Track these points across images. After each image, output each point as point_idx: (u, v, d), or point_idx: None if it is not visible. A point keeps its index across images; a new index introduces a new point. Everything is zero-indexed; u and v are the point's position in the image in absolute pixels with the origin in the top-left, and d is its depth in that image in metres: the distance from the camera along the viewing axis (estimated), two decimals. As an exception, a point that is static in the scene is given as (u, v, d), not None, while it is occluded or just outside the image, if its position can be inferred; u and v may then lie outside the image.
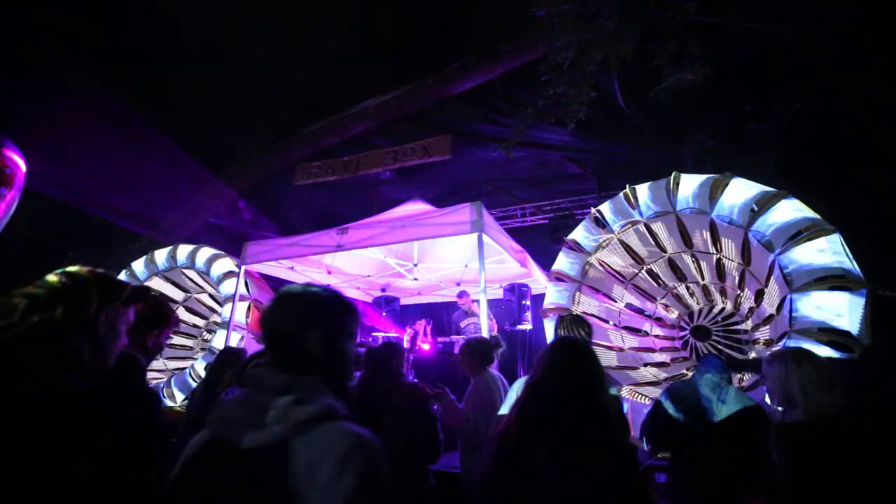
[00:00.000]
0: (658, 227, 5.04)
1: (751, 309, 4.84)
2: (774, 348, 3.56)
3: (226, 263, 6.62)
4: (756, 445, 2.14)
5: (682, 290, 5.59)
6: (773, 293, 4.07)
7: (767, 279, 4.03)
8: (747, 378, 4.42)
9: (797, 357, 1.90)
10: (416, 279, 7.54)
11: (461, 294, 6.74)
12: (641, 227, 5.07)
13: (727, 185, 4.17)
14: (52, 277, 1.11)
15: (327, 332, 1.05)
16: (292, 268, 6.45)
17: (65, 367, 1.02)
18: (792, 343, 3.25)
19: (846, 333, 3.19)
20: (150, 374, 7.01)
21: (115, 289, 1.19)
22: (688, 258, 5.24)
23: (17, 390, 0.93)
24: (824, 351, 3.16)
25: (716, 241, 4.73)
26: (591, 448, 1.47)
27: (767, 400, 2.17)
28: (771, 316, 4.14)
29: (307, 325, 1.04)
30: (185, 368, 6.79)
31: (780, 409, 1.98)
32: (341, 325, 1.09)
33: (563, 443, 1.47)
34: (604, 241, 5.25)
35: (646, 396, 4.46)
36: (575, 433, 1.49)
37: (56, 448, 0.89)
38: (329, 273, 7.02)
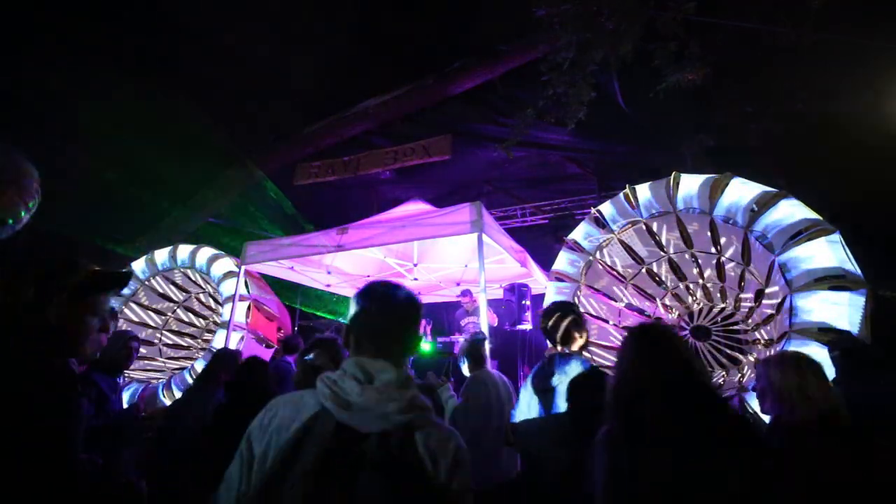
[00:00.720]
0: (658, 227, 5.05)
1: (751, 309, 4.84)
2: (774, 349, 3.56)
3: (226, 263, 6.62)
4: None
5: (682, 290, 5.59)
6: (772, 293, 4.08)
7: (767, 279, 4.03)
8: (746, 378, 4.42)
9: (797, 361, 1.89)
10: (416, 279, 7.54)
11: (465, 293, 6.75)
12: (641, 227, 5.07)
13: (727, 185, 4.16)
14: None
15: (417, 330, 1.19)
16: (292, 268, 6.45)
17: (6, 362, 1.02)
18: (792, 343, 3.25)
19: (846, 333, 3.19)
20: (150, 374, 7.02)
21: (61, 276, 1.16)
22: (688, 258, 5.24)
23: None
24: (824, 351, 3.16)
25: (716, 241, 4.73)
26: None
27: (755, 403, 2.17)
28: (771, 316, 4.14)
29: (409, 323, 1.17)
30: (185, 368, 6.79)
31: (766, 412, 1.95)
32: (420, 324, 1.23)
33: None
34: (604, 241, 5.25)
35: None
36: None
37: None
38: (329, 273, 7.03)
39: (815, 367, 1.86)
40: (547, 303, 5.39)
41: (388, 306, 1.17)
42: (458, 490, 1.01)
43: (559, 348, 2.46)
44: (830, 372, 2.08)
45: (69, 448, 1.10)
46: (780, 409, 1.83)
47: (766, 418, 1.99)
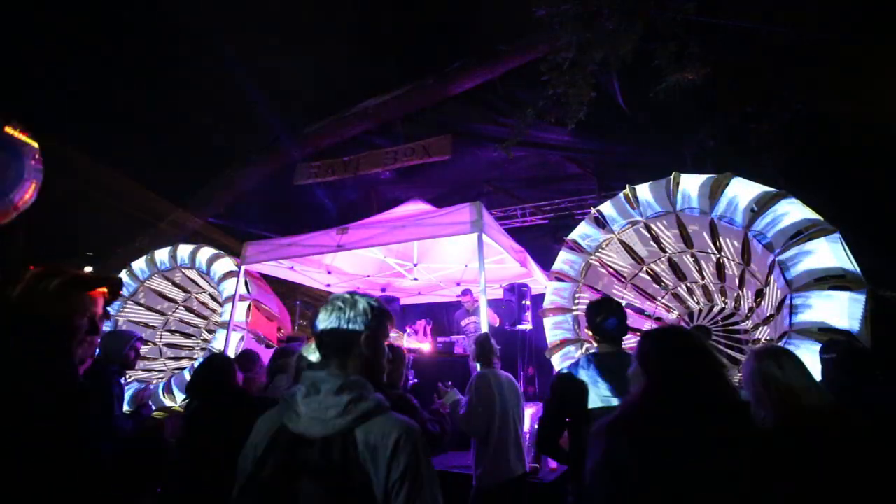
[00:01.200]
0: (658, 227, 5.05)
1: (751, 309, 4.84)
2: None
3: (226, 263, 6.62)
4: None
5: (682, 290, 5.59)
6: (772, 293, 4.08)
7: (767, 279, 4.03)
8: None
9: (777, 354, 1.78)
10: (416, 279, 7.54)
11: (465, 292, 6.75)
12: (641, 227, 5.07)
13: (727, 185, 4.17)
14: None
15: (372, 334, 1.24)
16: (292, 268, 6.45)
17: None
18: (792, 343, 3.25)
19: (846, 333, 3.19)
20: (151, 374, 7.03)
21: (45, 278, 1.17)
22: (688, 258, 5.24)
23: None
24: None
25: (716, 241, 4.73)
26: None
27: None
28: (771, 316, 4.14)
29: (356, 328, 1.23)
30: (184, 368, 6.79)
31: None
32: (382, 328, 1.28)
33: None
34: (604, 241, 5.25)
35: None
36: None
37: None
38: (329, 273, 7.03)
39: (795, 359, 1.76)
40: (547, 303, 5.39)
41: (324, 315, 1.26)
42: (398, 477, 1.05)
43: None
44: (816, 373, 2.05)
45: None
46: (768, 406, 1.70)
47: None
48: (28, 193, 3.08)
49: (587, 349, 4.81)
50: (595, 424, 1.49)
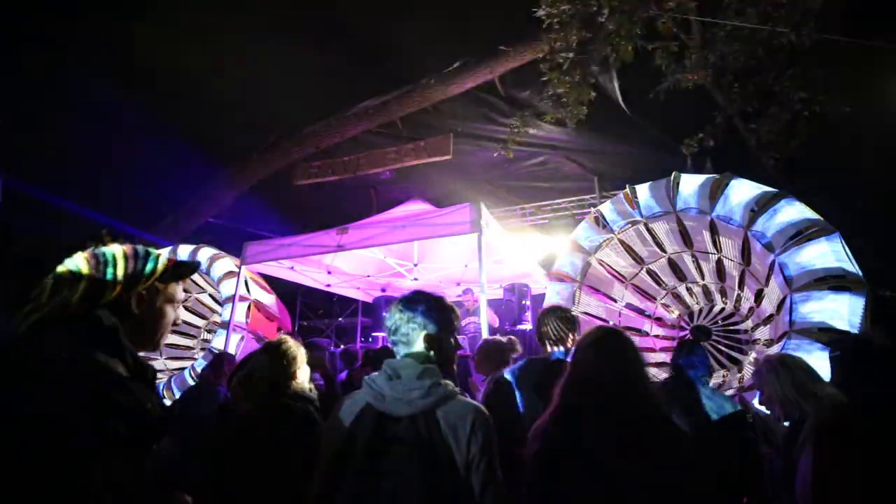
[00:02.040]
0: (658, 227, 5.05)
1: (751, 309, 4.84)
2: (773, 349, 3.56)
3: (226, 263, 6.62)
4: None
5: (682, 290, 5.59)
6: (772, 293, 4.08)
7: (767, 279, 4.03)
8: (746, 379, 4.42)
9: (783, 362, 1.92)
10: (416, 279, 7.54)
11: (466, 291, 6.75)
12: (641, 227, 5.07)
13: (727, 185, 4.17)
14: (79, 255, 1.06)
15: (443, 331, 1.44)
16: (292, 268, 6.45)
17: (87, 345, 0.96)
18: (792, 343, 3.25)
19: (846, 334, 3.19)
20: (150, 374, 7.01)
21: (148, 263, 1.12)
22: (688, 258, 5.24)
23: (35, 370, 0.89)
24: (824, 351, 3.16)
25: (716, 241, 4.73)
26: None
27: (762, 407, 2.18)
28: (771, 316, 4.14)
29: (431, 325, 1.42)
30: (184, 368, 6.79)
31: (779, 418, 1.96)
32: (451, 324, 1.48)
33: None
34: (604, 241, 5.25)
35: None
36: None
37: (63, 428, 0.84)
38: (329, 273, 7.03)
39: (802, 364, 1.89)
40: (547, 303, 5.40)
41: (397, 313, 1.46)
42: (477, 451, 1.23)
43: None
44: (825, 374, 2.07)
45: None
46: (789, 411, 1.84)
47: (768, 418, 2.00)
48: None
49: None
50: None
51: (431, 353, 1.41)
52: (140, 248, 1.14)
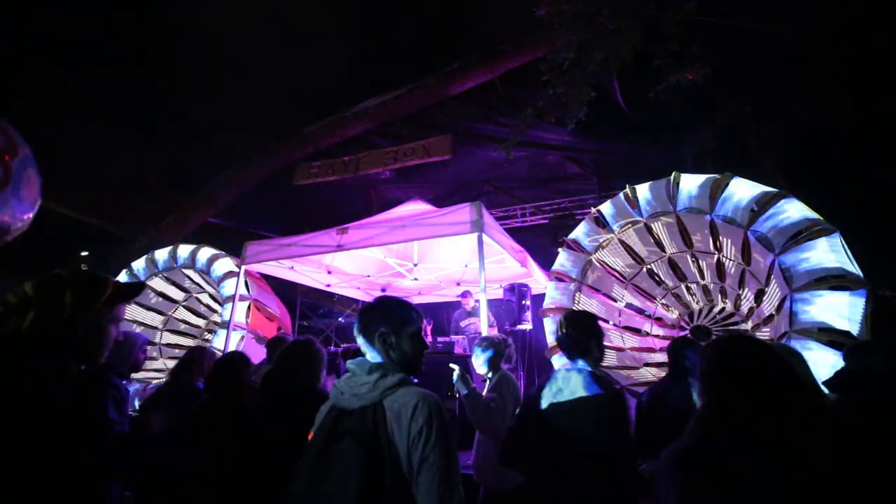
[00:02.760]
0: (658, 227, 5.05)
1: (751, 309, 4.84)
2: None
3: (226, 263, 6.62)
4: None
5: (682, 290, 5.59)
6: (773, 293, 4.07)
7: (767, 279, 4.03)
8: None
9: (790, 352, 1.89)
10: (416, 279, 7.54)
11: (465, 293, 6.75)
12: (641, 227, 5.07)
13: (727, 185, 4.17)
14: (27, 284, 1.16)
15: (393, 331, 1.51)
16: (292, 268, 6.45)
17: (37, 370, 1.07)
18: (792, 343, 3.25)
19: (846, 333, 3.19)
20: (150, 374, 7.02)
21: (94, 289, 1.24)
22: (688, 258, 5.24)
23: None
24: (824, 351, 3.16)
25: (716, 241, 4.73)
26: None
27: None
28: (771, 316, 4.14)
29: (382, 326, 1.50)
30: (185, 368, 6.78)
31: None
32: (402, 324, 1.53)
33: None
34: (604, 241, 5.25)
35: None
36: None
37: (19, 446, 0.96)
38: (329, 273, 7.03)
39: (798, 356, 1.87)
40: (547, 303, 5.39)
41: (360, 315, 1.57)
42: (417, 433, 1.28)
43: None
44: (825, 374, 2.07)
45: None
46: None
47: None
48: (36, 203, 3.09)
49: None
50: (665, 454, 1.29)
51: (389, 352, 1.49)
52: (87, 273, 1.27)
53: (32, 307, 1.13)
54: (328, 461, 1.33)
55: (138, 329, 7.18)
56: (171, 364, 7.59)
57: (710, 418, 1.28)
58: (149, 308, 7.57)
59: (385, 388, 1.38)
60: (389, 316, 1.53)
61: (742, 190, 4.09)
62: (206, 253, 6.85)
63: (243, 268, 5.86)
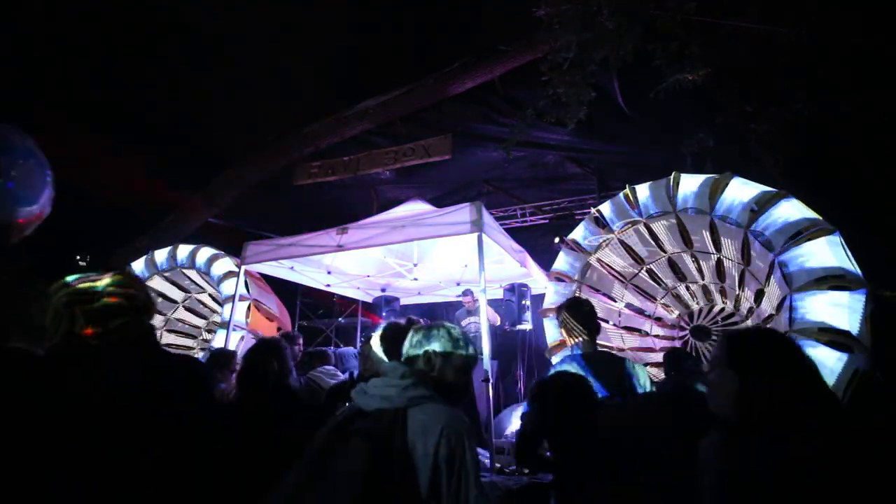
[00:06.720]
0: (658, 227, 5.05)
1: (750, 309, 4.84)
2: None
3: (226, 263, 6.62)
4: None
5: (682, 290, 5.59)
6: (772, 293, 4.08)
7: (767, 279, 4.03)
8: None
9: None
10: (416, 279, 7.54)
11: (466, 292, 6.75)
12: (641, 227, 5.07)
13: (727, 185, 4.17)
14: (110, 289, 1.30)
15: (443, 353, 1.48)
16: (292, 268, 6.45)
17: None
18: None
19: (846, 333, 3.19)
20: (150, 374, 7.02)
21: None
22: (688, 258, 5.24)
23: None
24: (824, 351, 3.16)
25: (716, 241, 4.73)
26: None
27: None
28: (771, 316, 4.14)
29: (434, 344, 1.50)
30: (185, 368, 6.78)
31: None
32: (452, 351, 1.49)
33: None
34: (604, 241, 5.25)
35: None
36: None
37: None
38: (329, 273, 7.03)
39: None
40: (547, 303, 5.39)
41: (412, 334, 1.58)
42: (448, 457, 1.20)
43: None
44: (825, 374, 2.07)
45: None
46: None
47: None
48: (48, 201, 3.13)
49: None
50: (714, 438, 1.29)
51: (431, 370, 1.45)
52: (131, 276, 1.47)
53: (145, 311, 1.35)
54: (333, 457, 1.26)
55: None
56: (171, 364, 7.60)
57: (770, 412, 1.25)
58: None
59: (413, 396, 1.32)
60: (439, 335, 1.51)
61: (742, 190, 4.10)
62: (205, 253, 6.86)
63: (243, 268, 5.86)
